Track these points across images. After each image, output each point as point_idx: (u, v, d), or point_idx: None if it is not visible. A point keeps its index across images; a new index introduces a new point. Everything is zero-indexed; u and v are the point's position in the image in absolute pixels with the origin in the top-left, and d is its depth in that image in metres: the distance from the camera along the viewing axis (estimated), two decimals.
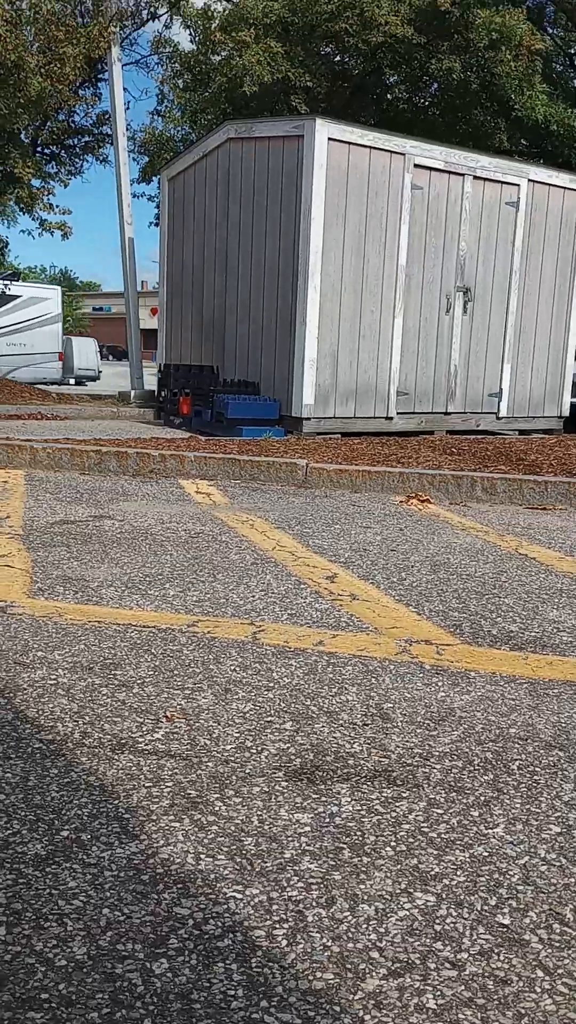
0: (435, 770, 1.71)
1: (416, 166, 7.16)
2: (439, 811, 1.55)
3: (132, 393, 11.08)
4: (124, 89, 10.73)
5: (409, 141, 7.23)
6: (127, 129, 12.34)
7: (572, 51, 13.84)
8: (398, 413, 7.61)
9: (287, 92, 10.96)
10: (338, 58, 11.67)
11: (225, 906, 1.23)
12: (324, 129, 6.61)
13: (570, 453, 6.26)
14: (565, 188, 8.15)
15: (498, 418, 8.34)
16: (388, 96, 12.65)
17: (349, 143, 6.77)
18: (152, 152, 13.82)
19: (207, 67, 12.39)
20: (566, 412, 8.75)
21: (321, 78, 11.00)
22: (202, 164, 8.29)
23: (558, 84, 12.85)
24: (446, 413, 7.97)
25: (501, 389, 8.25)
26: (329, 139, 6.63)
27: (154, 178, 13.71)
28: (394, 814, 1.53)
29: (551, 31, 13.69)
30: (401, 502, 4.91)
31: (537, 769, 1.75)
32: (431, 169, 7.26)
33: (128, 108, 13.97)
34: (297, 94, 10.84)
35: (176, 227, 8.93)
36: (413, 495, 5.06)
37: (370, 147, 6.90)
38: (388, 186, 7.06)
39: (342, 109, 11.19)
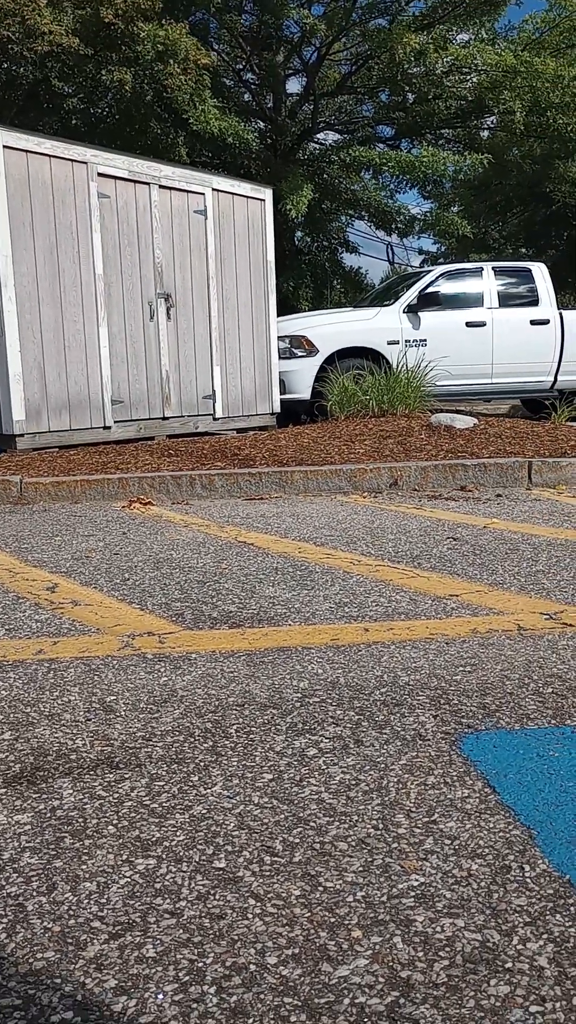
0: (157, 748, 1.78)
1: (100, 175, 7.18)
2: (160, 783, 1.62)
3: None
4: None
5: (90, 150, 7.23)
6: None
7: (239, 67, 14.62)
8: (116, 422, 7.60)
9: None
10: (5, 65, 11.35)
11: None
12: None
13: (280, 445, 6.65)
14: (248, 197, 8.60)
15: (215, 419, 8.61)
16: (64, 106, 12.53)
17: (27, 151, 6.63)
18: None
19: None
20: (278, 408, 9.25)
21: None
22: None
23: (230, 98, 13.53)
24: (164, 418, 8.09)
25: (214, 391, 8.52)
26: (4, 147, 6.44)
27: None
28: (116, 795, 1.57)
29: (217, 47, 14.37)
30: (123, 507, 4.94)
31: (253, 729, 1.88)
32: (116, 178, 7.32)
33: None
34: None
35: None
36: (135, 499, 5.10)
37: (50, 155, 6.81)
38: (74, 195, 7.01)
39: (16, 117, 10.90)
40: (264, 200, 8.80)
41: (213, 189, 8.20)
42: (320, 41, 15.32)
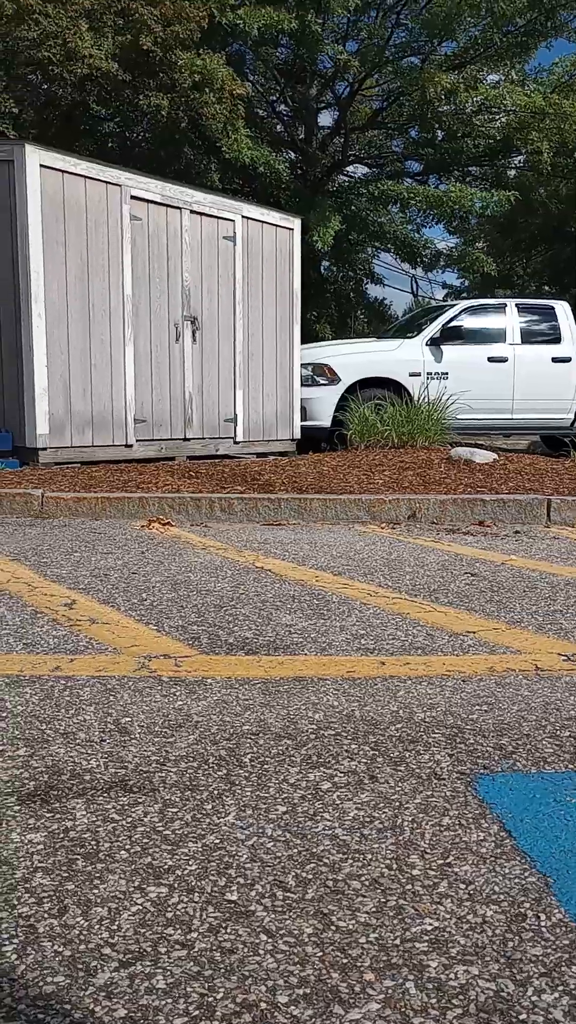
0: (171, 773, 1.77)
1: (133, 197, 7.30)
2: (174, 810, 1.61)
3: None
4: None
5: (124, 173, 7.36)
6: None
7: (273, 98, 14.88)
8: (138, 440, 7.65)
9: None
10: (45, 86, 11.60)
11: None
12: (35, 155, 6.54)
13: (300, 472, 6.67)
14: (277, 225, 8.72)
15: (235, 442, 8.65)
16: (101, 128, 12.77)
17: (63, 171, 6.75)
18: None
19: None
20: (298, 435, 9.29)
21: (28, 105, 10.88)
22: None
23: (262, 128, 13.76)
24: (185, 439, 8.14)
25: (236, 415, 8.57)
26: (42, 166, 6.57)
27: None
28: (130, 819, 1.57)
29: (252, 78, 14.67)
30: (142, 527, 4.95)
31: (267, 759, 1.86)
32: (149, 201, 7.44)
33: None
34: (3, 119, 10.63)
35: None
36: (154, 519, 5.12)
37: (85, 176, 6.93)
38: (107, 216, 7.13)
39: (54, 137, 11.13)
40: (293, 229, 8.90)
41: (243, 217, 8.30)
42: (353, 77, 15.58)
